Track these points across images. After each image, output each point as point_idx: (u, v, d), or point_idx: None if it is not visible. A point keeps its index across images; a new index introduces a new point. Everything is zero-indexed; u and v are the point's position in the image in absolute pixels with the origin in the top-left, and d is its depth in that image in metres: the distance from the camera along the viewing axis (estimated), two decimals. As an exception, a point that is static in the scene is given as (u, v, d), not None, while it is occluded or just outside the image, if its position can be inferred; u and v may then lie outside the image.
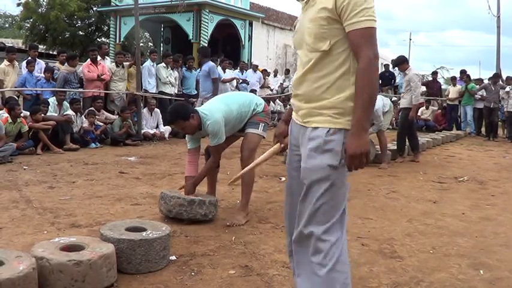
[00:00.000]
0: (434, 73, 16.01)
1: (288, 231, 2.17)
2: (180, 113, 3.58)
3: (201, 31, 16.98)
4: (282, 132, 2.32)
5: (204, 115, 3.59)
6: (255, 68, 13.32)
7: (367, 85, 1.80)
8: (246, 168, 2.48)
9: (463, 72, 13.82)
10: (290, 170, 2.13)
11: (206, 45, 16.97)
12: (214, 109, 3.67)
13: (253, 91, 12.71)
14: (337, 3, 1.81)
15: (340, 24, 1.84)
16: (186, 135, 3.85)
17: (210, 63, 8.23)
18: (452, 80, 14.06)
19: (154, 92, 9.62)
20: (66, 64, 8.74)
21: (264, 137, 3.93)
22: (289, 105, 2.54)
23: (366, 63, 1.80)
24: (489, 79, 13.48)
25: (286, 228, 2.23)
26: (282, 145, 2.36)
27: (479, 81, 13.02)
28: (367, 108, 1.81)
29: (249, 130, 3.80)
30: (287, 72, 17.10)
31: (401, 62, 7.34)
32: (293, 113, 2.09)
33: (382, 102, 6.86)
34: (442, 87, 15.21)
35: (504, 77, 12.45)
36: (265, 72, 14.20)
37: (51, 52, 20.38)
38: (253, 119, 3.82)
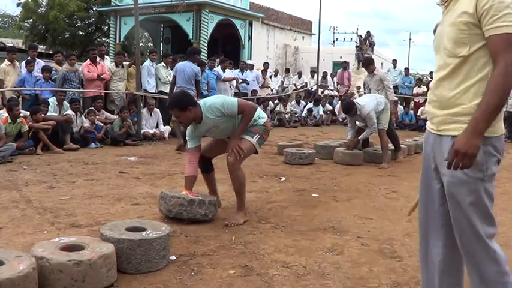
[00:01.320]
0: (432, 73, 16.02)
1: (423, 240, 2.14)
2: (180, 102, 3.62)
3: (201, 31, 16.99)
4: None
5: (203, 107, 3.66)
6: (251, 67, 13.30)
7: (497, 90, 1.75)
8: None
9: None
10: (426, 180, 2.08)
11: (206, 45, 17.02)
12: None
13: (254, 91, 12.76)
14: (478, 7, 1.78)
15: (481, 29, 1.80)
16: (187, 134, 3.85)
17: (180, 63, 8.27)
18: None
19: (154, 91, 9.63)
20: (66, 63, 8.76)
21: (256, 149, 3.83)
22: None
23: (502, 68, 1.75)
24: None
25: (420, 236, 2.16)
26: None
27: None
28: (490, 113, 1.76)
29: (243, 136, 3.76)
30: (287, 71, 17.10)
31: (370, 64, 7.41)
32: (428, 122, 2.05)
33: (375, 102, 6.70)
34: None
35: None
36: (264, 72, 14.22)
37: (51, 52, 20.37)
38: (251, 128, 3.80)
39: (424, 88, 14.63)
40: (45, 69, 8.56)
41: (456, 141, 1.79)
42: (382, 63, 23.67)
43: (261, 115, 3.88)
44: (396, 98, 7.36)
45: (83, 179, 5.23)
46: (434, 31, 2.03)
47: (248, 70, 13.14)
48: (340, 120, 14.42)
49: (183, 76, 7.68)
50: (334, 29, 32.42)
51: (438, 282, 2.05)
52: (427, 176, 2.08)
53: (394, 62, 16.67)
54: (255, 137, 3.78)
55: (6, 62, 8.54)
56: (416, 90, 14.90)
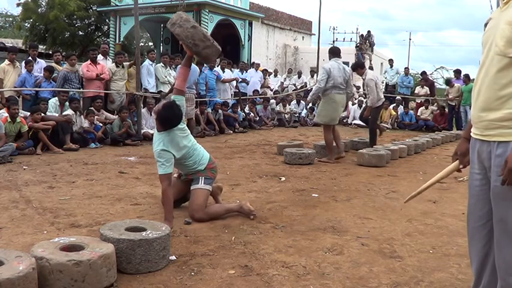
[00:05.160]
0: (424, 73, 15.87)
1: (472, 259, 2.09)
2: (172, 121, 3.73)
3: (201, 31, 16.96)
4: (464, 151, 2.12)
5: None
6: (257, 67, 13.32)
7: None
8: (423, 185, 2.43)
9: (457, 71, 13.98)
10: (471, 188, 2.04)
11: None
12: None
13: (256, 91, 12.78)
14: None
15: None
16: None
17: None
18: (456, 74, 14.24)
19: (154, 91, 9.62)
20: (66, 63, 8.76)
21: (208, 190, 3.88)
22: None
23: None
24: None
25: (470, 255, 2.13)
26: (461, 165, 2.18)
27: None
28: None
29: (192, 187, 3.85)
30: (289, 71, 17.08)
31: (358, 67, 7.89)
32: (472, 128, 1.97)
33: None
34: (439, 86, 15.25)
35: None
36: (265, 72, 14.23)
37: (50, 52, 20.35)
38: (195, 175, 3.87)
39: (426, 89, 14.61)
40: (47, 69, 8.57)
41: (509, 159, 1.73)
42: (381, 63, 23.69)
43: (202, 161, 3.89)
44: (378, 104, 7.90)
45: (82, 179, 5.23)
46: (485, 25, 1.96)
47: (253, 70, 13.18)
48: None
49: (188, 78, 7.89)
50: (334, 29, 32.43)
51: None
52: (471, 181, 2.04)
53: (391, 61, 16.69)
54: (202, 181, 3.85)
55: (6, 61, 8.55)
56: (418, 90, 14.90)
